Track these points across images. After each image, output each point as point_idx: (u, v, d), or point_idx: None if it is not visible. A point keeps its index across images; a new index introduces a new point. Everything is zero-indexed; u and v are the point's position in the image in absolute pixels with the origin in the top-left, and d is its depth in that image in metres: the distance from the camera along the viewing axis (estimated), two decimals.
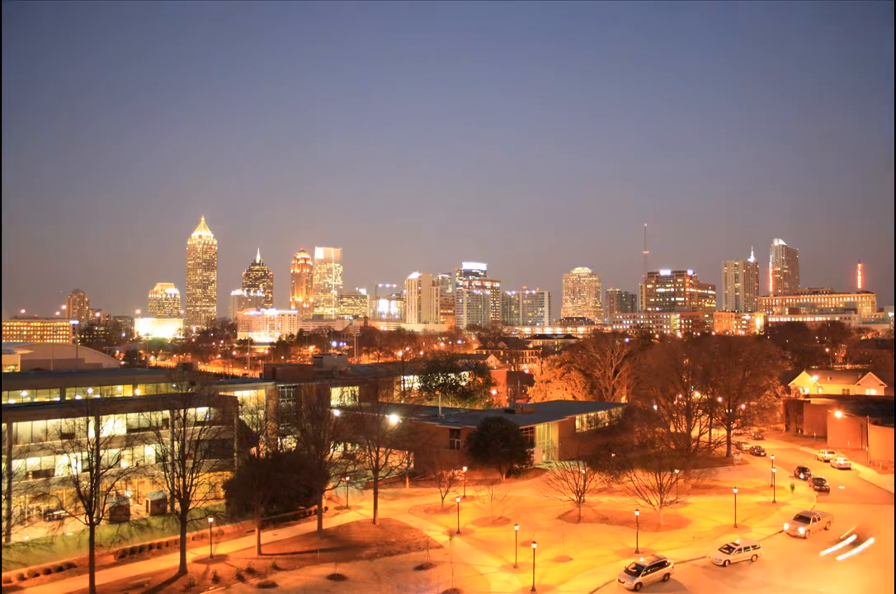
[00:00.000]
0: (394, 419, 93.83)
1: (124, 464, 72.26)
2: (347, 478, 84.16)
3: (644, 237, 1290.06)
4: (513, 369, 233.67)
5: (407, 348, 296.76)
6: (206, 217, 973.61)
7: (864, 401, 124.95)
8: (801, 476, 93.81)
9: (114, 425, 77.05)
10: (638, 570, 57.35)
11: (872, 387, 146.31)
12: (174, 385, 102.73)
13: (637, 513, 67.93)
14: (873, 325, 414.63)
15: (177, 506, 67.81)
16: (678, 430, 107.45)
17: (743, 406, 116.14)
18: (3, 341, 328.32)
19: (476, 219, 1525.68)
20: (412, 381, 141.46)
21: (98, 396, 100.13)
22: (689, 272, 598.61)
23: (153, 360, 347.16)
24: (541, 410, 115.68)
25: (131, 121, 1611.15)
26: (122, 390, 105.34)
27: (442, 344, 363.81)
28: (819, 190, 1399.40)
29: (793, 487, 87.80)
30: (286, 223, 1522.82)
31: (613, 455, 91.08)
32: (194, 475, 64.27)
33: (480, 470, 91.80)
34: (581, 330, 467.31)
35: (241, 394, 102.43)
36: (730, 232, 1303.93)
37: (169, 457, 67.47)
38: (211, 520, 67.87)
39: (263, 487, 67.83)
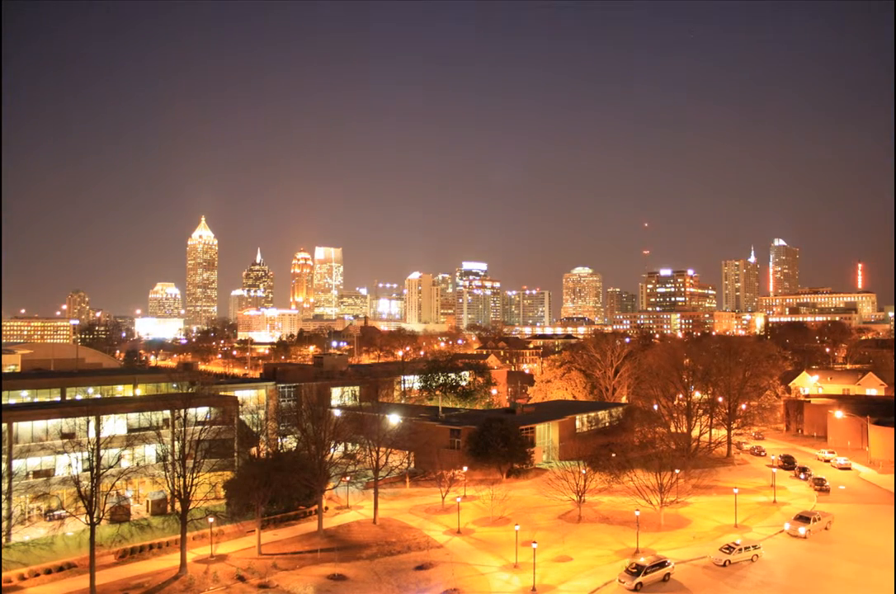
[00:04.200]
0: (394, 419, 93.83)
1: (125, 464, 72.37)
2: (348, 478, 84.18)
3: (644, 237, 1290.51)
4: (513, 369, 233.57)
5: (407, 348, 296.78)
6: (206, 217, 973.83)
7: (865, 401, 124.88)
8: (802, 476, 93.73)
9: (114, 425, 77.17)
10: (638, 570, 57.30)
11: (873, 387, 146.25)
12: (174, 385, 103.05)
13: (637, 513, 67.87)
14: (873, 325, 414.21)
15: (177, 506, 67.79)
16: (678, 430, 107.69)
17: (743, 406, 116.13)
18: (3, 341, 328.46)
19: (476, 219, 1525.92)
20: (412, 381, 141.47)
21: (98, 396, 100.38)
22: (690, 272, 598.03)
23: (153, 360, 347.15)
24: (541, 410, 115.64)
25: (131, 120, 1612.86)
26: (123, 390, 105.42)
27: (442, 344, 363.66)
28: (819, 189, 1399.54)
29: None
30: (286, 223, 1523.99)
31: (614, 455, 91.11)
32: (195, 475, 64.19)
33: (481, 470, 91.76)
34: (581, 330, 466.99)
35: (241, 394, 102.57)
36: (730, 232, 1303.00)
37: (169, 457, 67.53)
38: (211, 520, 67.86)
39: (264, 487, 67.82)
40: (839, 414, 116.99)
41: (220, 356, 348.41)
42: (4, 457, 68.45)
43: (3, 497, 62.73)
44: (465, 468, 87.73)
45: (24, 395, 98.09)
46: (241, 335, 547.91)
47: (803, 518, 71.16)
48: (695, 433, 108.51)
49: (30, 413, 74.54)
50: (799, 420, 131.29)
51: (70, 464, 67.36)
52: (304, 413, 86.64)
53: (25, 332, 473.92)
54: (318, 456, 74.37)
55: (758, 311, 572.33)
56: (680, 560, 61.87)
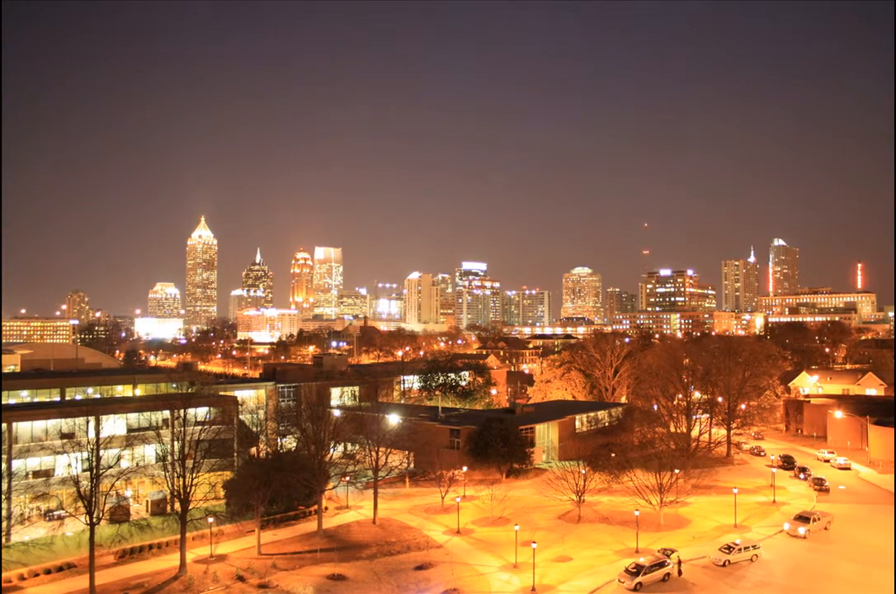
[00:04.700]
0: (394, 419, 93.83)
1: (124, 464, 72.29)
2: (347, 478, 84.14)
3: (644, 237, 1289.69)
4: (513, 369, 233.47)
5: (407, 348, 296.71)
6: (206, 217, 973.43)
7: (865, 401, 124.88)
8: (801, 476, 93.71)
9: (114, 425, 77.13)
10: (638, 570, 57.27)
11: (872, 387, 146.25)
12: (174, 385, 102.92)
13: (637, 513, 67.88)
14: (873, 325, 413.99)
15: (177, 506, 67.75)
16: (678, 430, 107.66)
17: (743, 406, 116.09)
18: (3, 341, 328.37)
19: (476, 219, 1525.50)
20: (412, 381, 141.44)
21: (98, 396, 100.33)
22: (689, 272, 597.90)
23: (153, 360, 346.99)
24: (541, 410, 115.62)
25: (131, 121, 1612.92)
26: (122, 390, 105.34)
27: (442, 344, 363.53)
28: (819, 189, 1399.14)
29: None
30: (286, 223, 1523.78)
31: (613, 455, 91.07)
32: (194, 475, 64.20)
33: (480, 470, 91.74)
34: (581, 330, 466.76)
35: (241, 394, 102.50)
36: (730, 232, 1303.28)
37: (169, 457, 67.46)
38: (211, 520, 67.85)
39: (263, 487, 67.78)
40: (839, 414, 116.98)
41: (219, 356, 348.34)
42: (4, 457, 68.44)
43: (3, 497, 62.77)
44: (464, 468, 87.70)
45: (24, 395, 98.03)
46: (241, 335, 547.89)
47: (803, 518, 71.13)
48: (694, 433, 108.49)
49: (30, 413, 74.51)
50: (799, 420, 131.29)
51: (70, 465, 67.28)
52: (303, 413, 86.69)
53: (25, 332, 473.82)
54: (318, 456, 74.35)
55: (757, 311, 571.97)
56: (680, 560, 61.81)
